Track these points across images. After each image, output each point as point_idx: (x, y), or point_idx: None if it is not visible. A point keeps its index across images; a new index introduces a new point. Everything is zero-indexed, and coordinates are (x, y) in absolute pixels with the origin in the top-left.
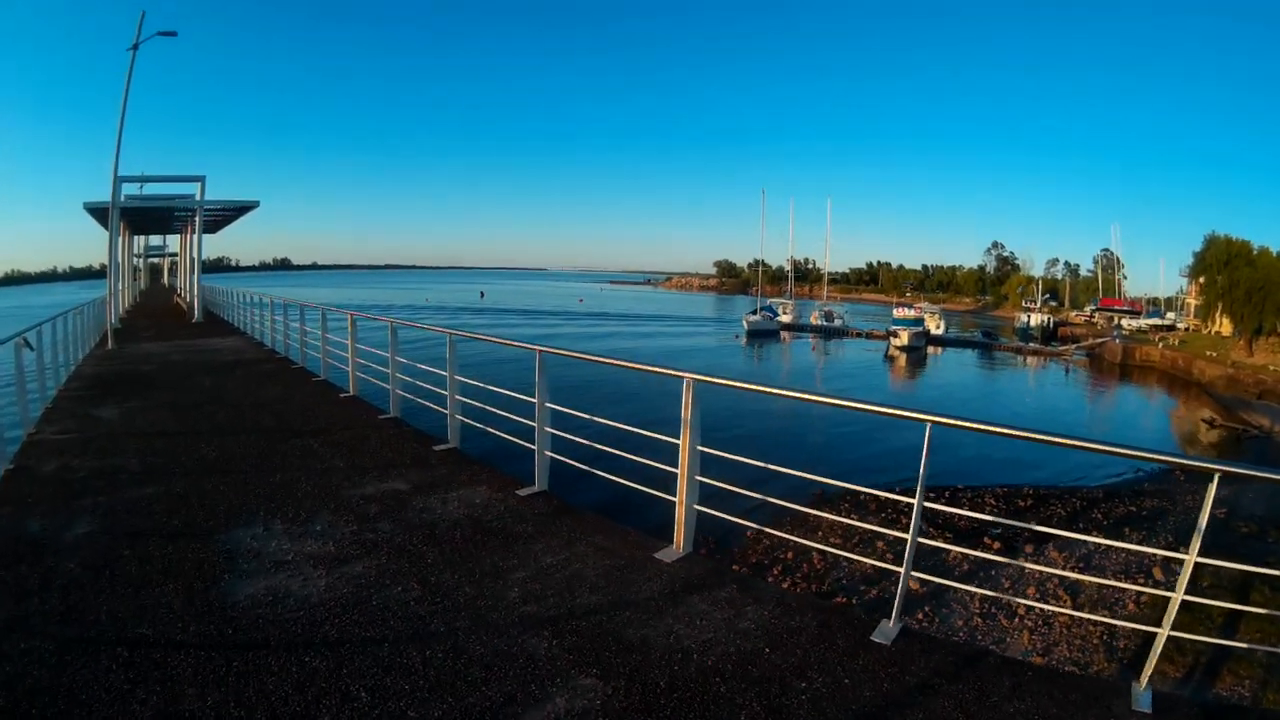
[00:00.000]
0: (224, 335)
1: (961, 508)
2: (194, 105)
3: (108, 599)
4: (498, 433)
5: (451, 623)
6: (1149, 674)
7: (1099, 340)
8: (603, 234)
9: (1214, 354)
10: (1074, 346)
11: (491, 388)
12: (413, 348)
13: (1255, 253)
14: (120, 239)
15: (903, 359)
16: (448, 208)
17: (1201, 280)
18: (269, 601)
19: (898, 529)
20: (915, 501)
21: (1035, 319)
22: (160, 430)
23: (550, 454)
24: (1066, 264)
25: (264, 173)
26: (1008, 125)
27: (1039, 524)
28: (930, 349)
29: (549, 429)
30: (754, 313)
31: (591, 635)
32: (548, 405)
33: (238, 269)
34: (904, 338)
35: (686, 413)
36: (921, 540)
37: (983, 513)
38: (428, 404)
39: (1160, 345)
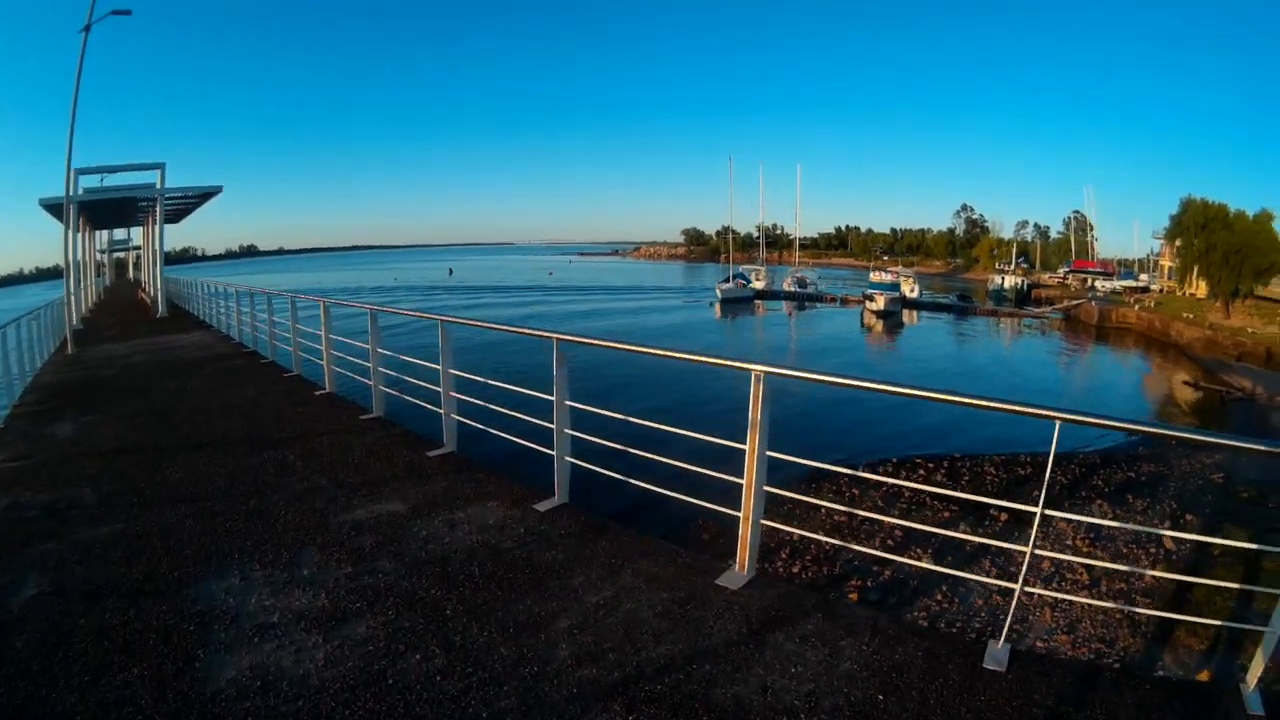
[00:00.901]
0: (189, 330)
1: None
2: (147, 94)
3: (62, 692)
4: (502, 434)
5: (494, 702)
6: (1256, 676)
7: (1075, 302)
8: (569, 206)
9: (1191, 316)
10: (1050, 308)
11: (494, 382)
12: (394, 335)
13: (1232, 216)
14: (80, 235)
15: (880, 325)
16: (412, 186)
17: (1179, 243)
18: (257, 688)
19: (1006, 539)
20: (1038, 511)
21: (1009, 281)
22: (120, 447)
23: (570, 459)
24: (1036, 226)
25: (223, 159)
26: (975, 88)
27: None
28: (905, 313)
29: (569, 430)
30: (726, 280)
31: (672, 703)
32: (568, 403)
33: (204, 258)
34: (880, 302)
35: (755, 413)
36: (1037, 551)
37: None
38: (416, 401)
39: (1136, 308)
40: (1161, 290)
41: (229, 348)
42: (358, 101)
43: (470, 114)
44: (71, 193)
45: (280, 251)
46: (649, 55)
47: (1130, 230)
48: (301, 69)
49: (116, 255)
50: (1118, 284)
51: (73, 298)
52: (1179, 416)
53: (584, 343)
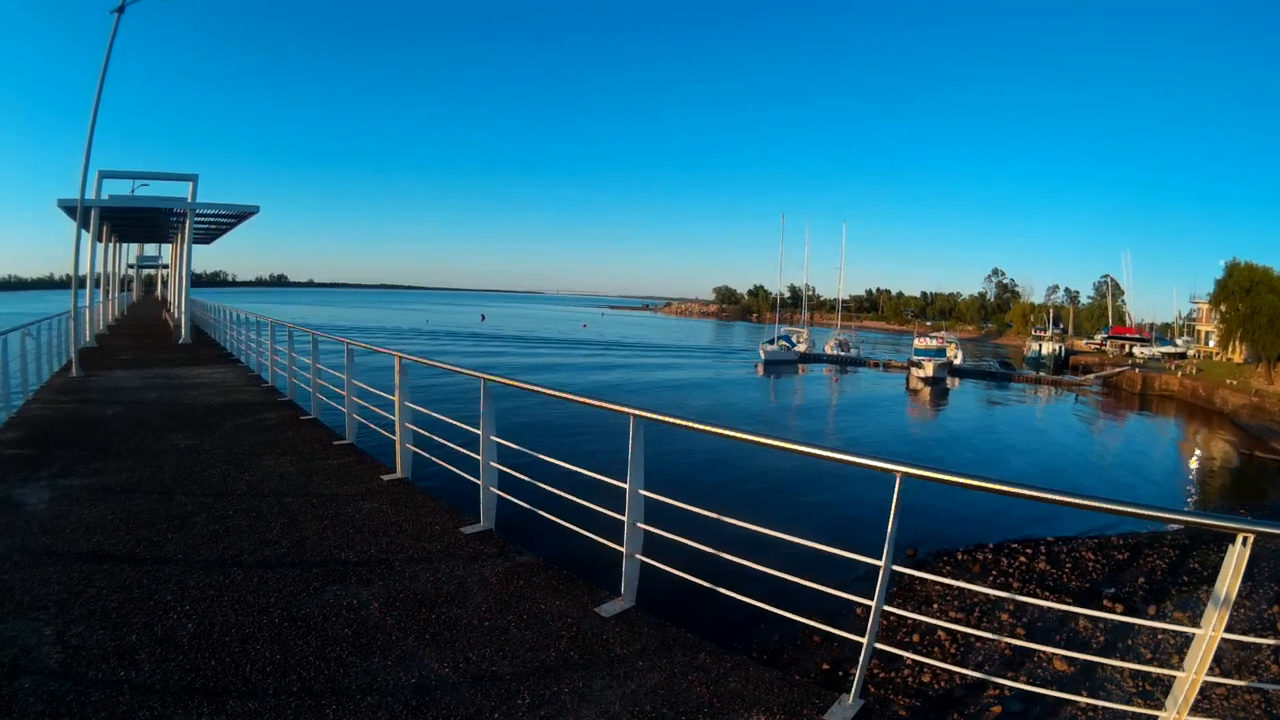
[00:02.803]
0: (212, 364)
1: (940, 573)
2: (189, 115)
3: None
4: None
5: None
6: None
7: (1117, 369)
8: (597, 257)
9: (1234, 382)
10: (1092, 376)
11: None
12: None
13: (1277, 279)
14: (106, 245)
15: (926, 391)
16: (441, 230)
17: (1223, 307)
18: None
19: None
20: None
21: (1047, 348)
22: (106, 548)
23: (642, 557)
24: (1066, 290)
25: (258, 185)
26: (1003, 150)
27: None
28: (949, 380)
29: (642, 524)
30: (771, 342)
31: None
32: (642, 492)
33: (235, 284)
34: (928, 369)
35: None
36: (889, 609)
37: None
38: (524, 506)
39: (1179, 374)
40: (1198, 355)
41: (257, 393)
42: (392, 145)
43: (504, 160)
44: (95, 195)
45: (310, 284)
46: (683, 114)
47: (1158, 294)
48: (345, 95)
49: (146, 271)
50: (1157, 350)
51: (88, 311)
52: (1235, 487)
53: (508, 384)
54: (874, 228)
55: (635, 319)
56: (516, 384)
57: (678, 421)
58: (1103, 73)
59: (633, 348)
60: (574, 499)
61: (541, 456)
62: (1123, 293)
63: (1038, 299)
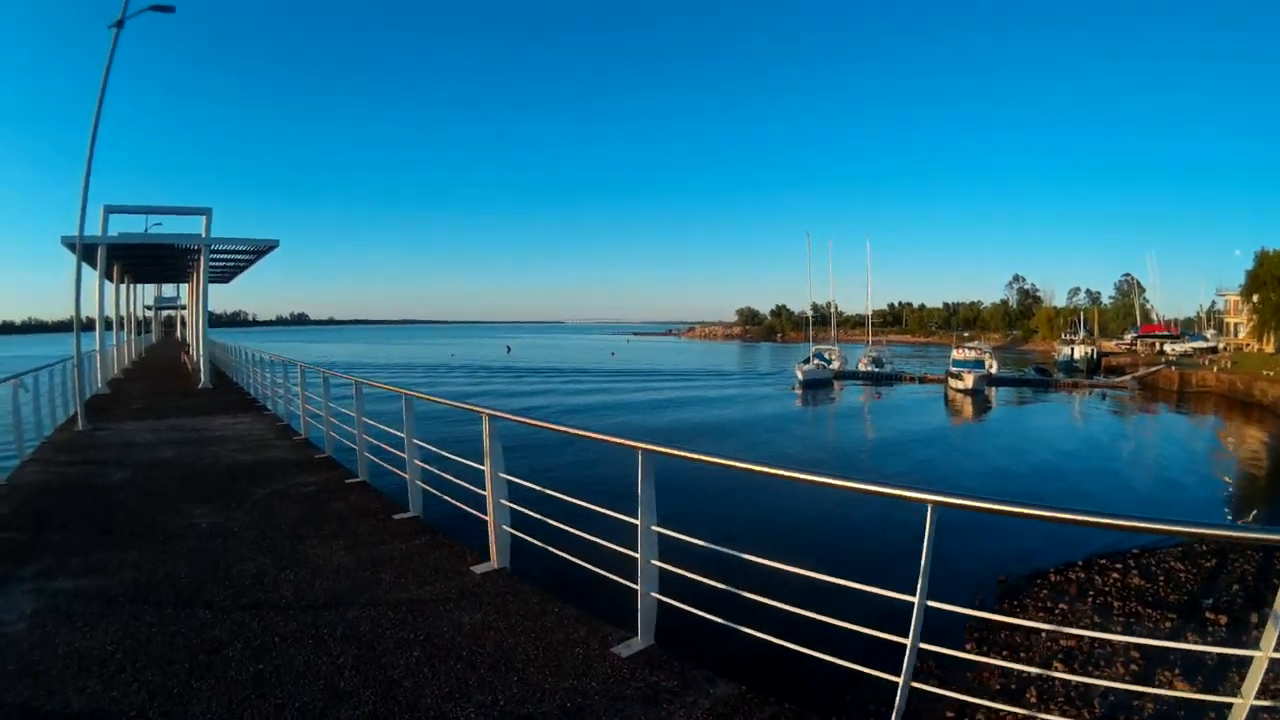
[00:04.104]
0: (235, 412)
1: (1035, 598)
2: (199, 155)
3: None
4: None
5: None
6: None
7: (1152, 369)
8: (617, 285)
9: (1270, 373)
10: (1129, 377)
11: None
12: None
13: None
14: (118, 286)
15: (968, 404)
16: (460, 261)
17: (1255, 298)
18: None
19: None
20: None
21: (1079, 351)
22: (100, 710)
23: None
24: (1088, 292)
25: (271, 221)
26: (1016, 156)
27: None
28: (987, 390)
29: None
30: (806, 361)
31: None
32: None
33: (255, 323)
34: (968, 380)
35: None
36: (925, 646)
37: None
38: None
39: (1215, 369)
40: (1226, 348)
41: (290, 448)
42: (403, 180)
43: (518, 192)
44: (101, 232)
45: (331, 321)
46: (694, 135)
47: (1178, 289)
48: (352, 139)
49: (165, 313)
50: (1188, 346)
51: (97, 356)
52: None
53: (512, 419)
54: (893, 241)
55: (661, 344)
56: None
57: (687, 455)
58: (1108, 70)
59: (670, 375)
60: (586, 535)
61: (549, 492)
62: (1144, 290)
63: (1059, 302)
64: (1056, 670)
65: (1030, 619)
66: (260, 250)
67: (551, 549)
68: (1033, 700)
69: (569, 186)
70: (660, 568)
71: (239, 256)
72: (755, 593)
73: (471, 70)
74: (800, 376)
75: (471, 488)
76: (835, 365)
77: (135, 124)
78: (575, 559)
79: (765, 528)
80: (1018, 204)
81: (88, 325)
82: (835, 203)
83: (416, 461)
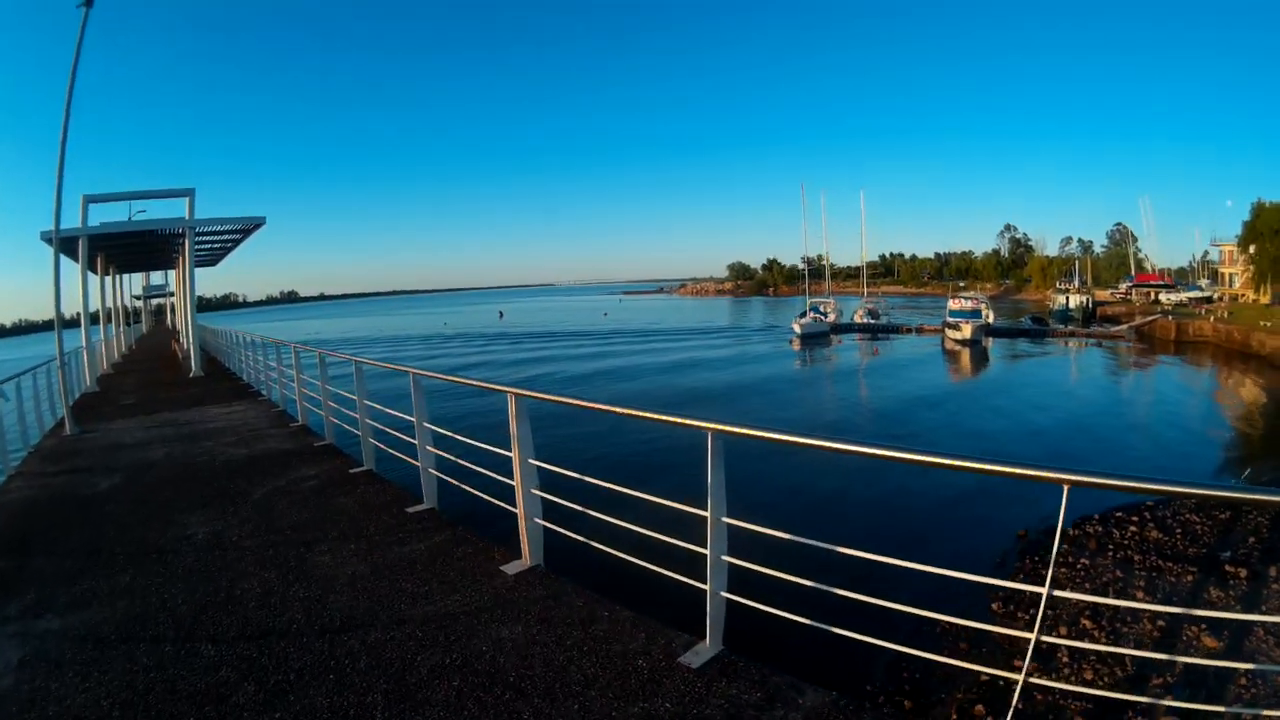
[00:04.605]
0: (227, 401)
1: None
2: (180, 135)
3: None
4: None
5: None
6: None
7: (1148, 318)
8: (606, 244)
9: (1268, 324)
10: (1125, 326)
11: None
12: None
13: None
14: (103, 277)
15: (966, 355)
16: (449, 229)
17: (1253, 249)
18: None
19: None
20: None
21: (1074, 300)
22: None
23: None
24: (1080, 241)
25: (254, 199)
26: (1005, 107)
27: None
28: (985, 340)
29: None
30: (803, 315)
31: None
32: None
33: (245, 305)
34: (966, 330)
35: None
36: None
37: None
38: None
39: (1211, 319)
40: (1221, 298)
41: (287, 436)
42: (388, 147)
43: (505, 154)
44: (82, 223)
45: (322, 297)
46: (672, 85)
47: (1170, 238)
48: (339, 110)
49: (156, 301)
50: (1183, 295)
51: (85, 352)
52: None
53: (544, 398)
54: (884, 192)
55: (653, 303)
56: (591, 405)
57: (764, 434)
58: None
59: (667, 334)
60: (634, 527)
61: (591, 479)
62: (1136, 239)
63: (1051, 252)
64: (1157, 653)
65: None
66: (246, 229)
67: (594, 544)
68: (1153, 684)
69: (555, 149)
70: (730, 563)
71: (225, 237)
72: (832, 585)
73: (457, 44)
74: (798, 331)
75: (494, 475)
76: (831, 318)
77: (111, 110)
78: (623, 554)
79: (835, 509)
80: (1008, 156)
81: (73, 322)
82: (825, 156)
83: (429, 448)
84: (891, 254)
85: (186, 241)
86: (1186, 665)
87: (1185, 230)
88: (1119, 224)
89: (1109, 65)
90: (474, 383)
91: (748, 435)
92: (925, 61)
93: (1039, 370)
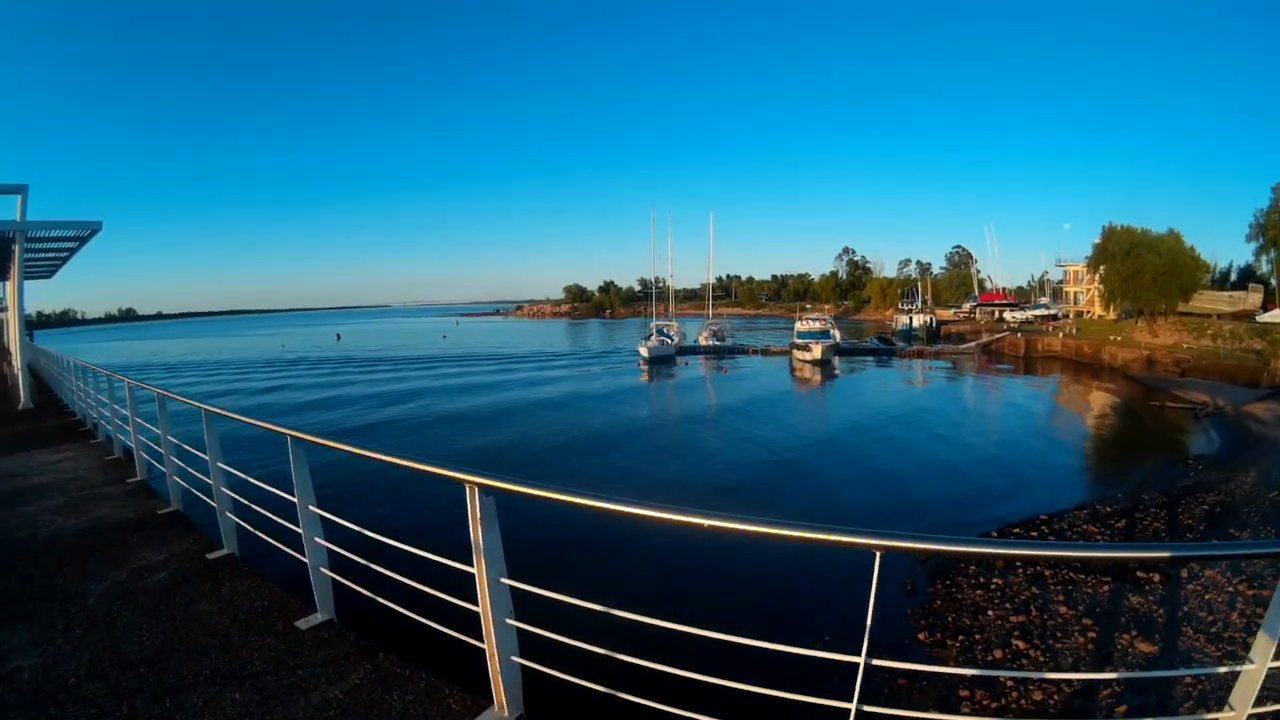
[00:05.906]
0: (59, 442)
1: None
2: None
3: None
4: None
5: None
6: None
7: (996, 335)
8: (443, 267)
9: (1118, 338)
10: (974, 344)
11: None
12: None
13: (1155, 239)
14: None
15: (818, 376)
16: (286, 248)
17: (1103, 268)
18: None
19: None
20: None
21: (918, 320)
22: None
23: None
24: (918, 263)
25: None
26: (846, 127)
27: None
28: (834, 359)
29: None
30: (648, 337)
31: None
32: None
33: (84, 322)
34: (816, 351)
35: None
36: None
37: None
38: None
39: (1060, 335)
40: (1068, 316)
41: (125, 497)
42: (228, 165)
43: (344, 171)
44: None
45: (159, 316)
46: (511, 104)
47: (1007, 261)
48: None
49: None
50: (1030, 313)
51: None
52: (1169, 440)
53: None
54: (723, 216)
55: (491, 325)
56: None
57: (532, 492)
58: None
59: (501, 359)
60: (419, 586)
61: (369, 534)
62: (975, 260)
63: (890, 274)
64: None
65: (964, 618)
66: (82, 235)
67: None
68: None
69: (390, 169)
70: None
71: (61, 244)
72: (632, 653)
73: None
74: (645, 354)
75: (425, 585)
76: (675, 340)
77: None
78: (414, 615)
79: (641, 573)
80: (850, 179)
81: None
82: (661, 182)
83: (319, 540)
84: (729, 275)
85: (17, 247)
86: None
87: (1024, 252)
88: (958, 246)
89: (953, 106)
90: (254, 422)
91: (517, 492)
92: (762, 75)
93: (906, 391)
